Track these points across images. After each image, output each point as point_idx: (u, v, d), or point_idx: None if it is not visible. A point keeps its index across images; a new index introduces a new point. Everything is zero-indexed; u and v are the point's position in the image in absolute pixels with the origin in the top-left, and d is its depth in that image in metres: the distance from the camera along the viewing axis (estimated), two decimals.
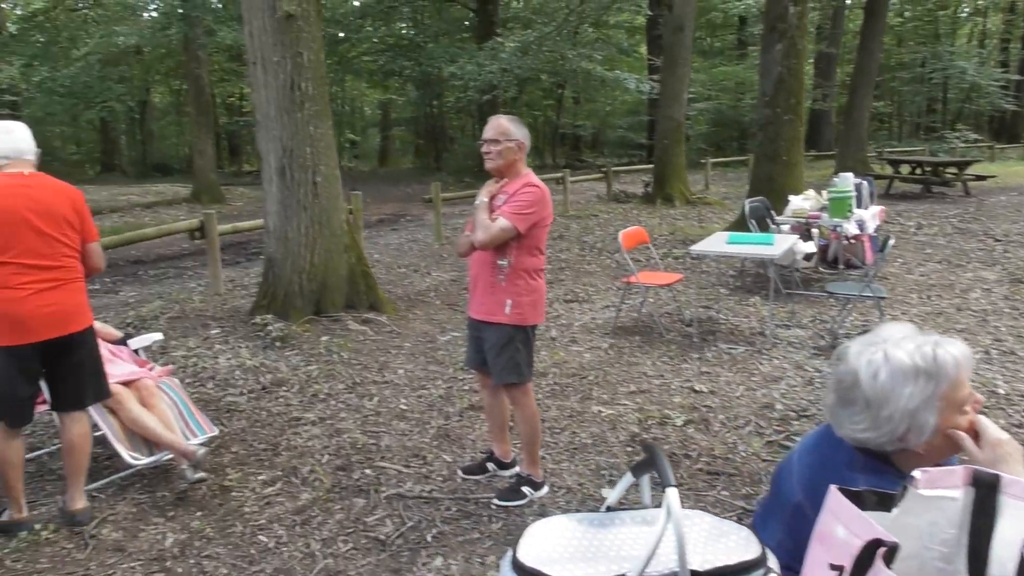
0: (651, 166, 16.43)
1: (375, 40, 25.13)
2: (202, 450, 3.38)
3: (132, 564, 2.93)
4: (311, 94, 5.94)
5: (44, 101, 21.38)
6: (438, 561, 2.92)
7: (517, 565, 1.34)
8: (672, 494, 1.28)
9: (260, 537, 3.12)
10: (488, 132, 3.16)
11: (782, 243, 5.73)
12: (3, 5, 23.81)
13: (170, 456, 3.50)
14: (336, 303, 6.33)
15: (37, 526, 3.12)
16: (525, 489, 3.32)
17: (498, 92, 18.01)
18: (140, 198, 18.25)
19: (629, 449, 3.86)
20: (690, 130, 22.56)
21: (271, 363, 5.24)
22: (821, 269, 7.41)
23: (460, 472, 3.61)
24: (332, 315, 6.27)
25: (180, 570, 2.90)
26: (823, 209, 7.19)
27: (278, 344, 5.62)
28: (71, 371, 3.09)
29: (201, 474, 3.45)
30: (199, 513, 3.31)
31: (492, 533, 3.11)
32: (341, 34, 23.55)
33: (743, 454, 3.76)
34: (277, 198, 6.11)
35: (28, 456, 3.56)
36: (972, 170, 16.37)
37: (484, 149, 3.16)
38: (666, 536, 1.26)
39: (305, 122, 5.94)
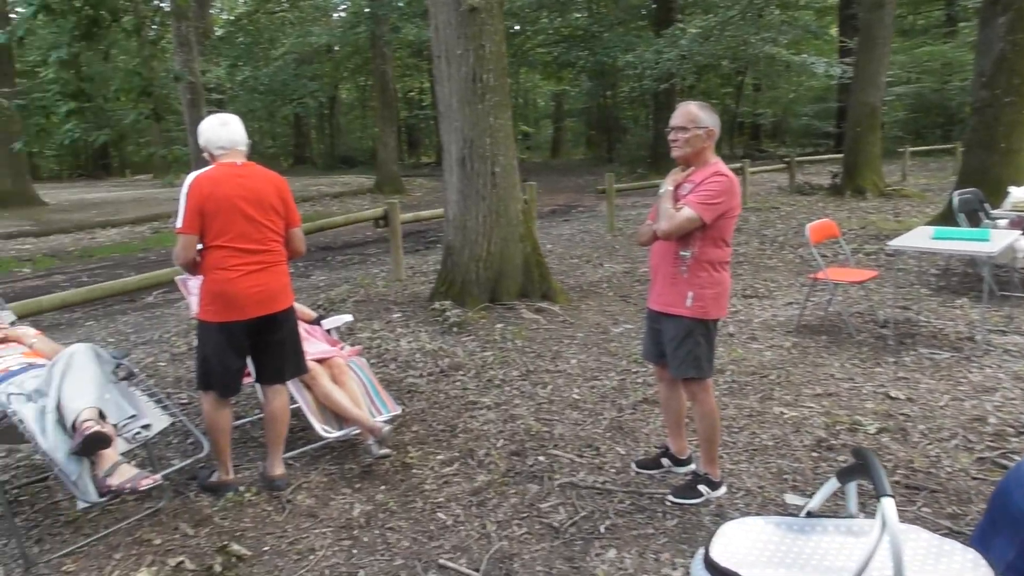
0: (840, 155, 15.43)
1: (550, 31, 25.32)
2: (387, 428, 3.54)
3: (324, 530, 3.12)
4: (492, 85, 6.05)
5: (246, 99, 23.36)
6: (611, 553, 2.89)
7: (711, 564, 1.27)
8: (889, 504, 1.17)
9: (439, 514, 3.22)
10: (675, 119, 3.06)
11: (1000, 239, 5.16)
12: (211, 11, 26.23)
13: (357, 431, 3.70)
14: (511, 291, 6.44)
15: (241, 488, 3.40)
16: (702, 488, 3.21)
17: (675, 80, 17.55)
18: (328, 188, 19.54)
19: (815, 454, 3.62)
20: (886, 116, 20.90)
21: (449, 348, 5.41)
22: None
23: (634, 465, 3.55)
24: (506, 303, 6.38)
25: (366, 539, 3.05)
26: None
27: (455, 330, 5.80)
28: (274, 347, 3.34)
29: (385, 450, 3.61)
30: (383, 487, 3.47)
31: (667, 530, 3.03)
32: (517, 26, 23.92)
33: (948, 469, 3.42)
34: (457, 187, 6.29)
35: (234, 424, 3.89)
36: None
37: (671, 137, 3.06)
38: (880, 549, 1.15)
39: (486, 113, 6.07)
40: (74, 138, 7.59)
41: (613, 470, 3.57)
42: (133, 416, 3.01)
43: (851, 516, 1.41)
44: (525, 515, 3.20)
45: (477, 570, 2.81)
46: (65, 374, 2.88)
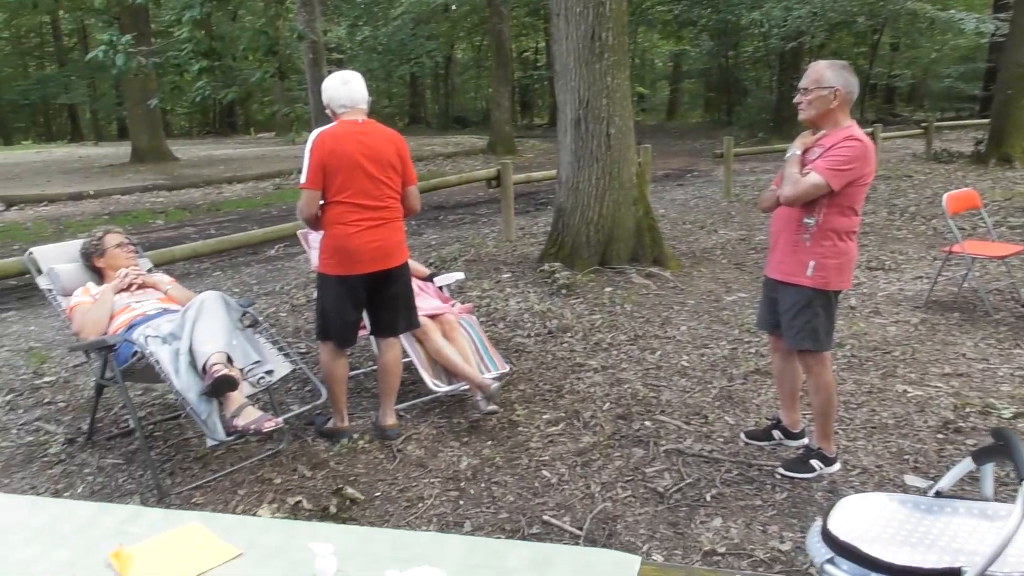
0: (985, 121, 14.30)
1: None
2: (496, 384, 3.59)
3: (432, 480, 3.22)
4: (610, 44, 5.93)
5: (364, 58, 23.83)
6: (716, 522, 2.84)
7: (828, 537, 1.23)
8: None
9: (544, 472, 3.26)
10: (803, 80, 2.91)
11: None
12: None
13: (466, 387, 3.77)
14: (621, 255, 6.37)
15: (355, 435, 3.54)
16: (814, 462, 3.10)
17: (804, 39, 16.61)
18: (442, 148, 19.78)
19: (940, 436, 3.43)
20: None
21: (557, 309, 5.42)
22: None
23: (743, 436, 3.47)
24: (616, 267, 6.32)
25: (472, 491, 3.13)
26: None
27: (564, 292, 5.80)
28: (389, 301, 3.43)
29: (493, 407, 3.67)
30: (489, 442, 3.54)
31: (776, 503, 2.95)
32: None
33: None
34: (571, 148, 6.23)
35: (349, 375, 4.04)
36: None
37: (796, 99, 2.91)
38: (1019, 536, 1.07)
39: (603, 73, 5.96)
40: (204, 96, 7.99)
41: (721, 439, 3.50)
42: (258, 362, 3.18)
43: (985, 499, 1.33)
44: (630, 478, 3.19)
45: (580, 528, 2.84)
46: (197, 319, 3.06)
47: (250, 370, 3.09)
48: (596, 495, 3.07)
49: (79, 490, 3.20)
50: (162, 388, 4.08)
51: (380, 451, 3.46)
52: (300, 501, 3.01)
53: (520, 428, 3.67)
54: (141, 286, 3.57)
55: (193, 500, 3.09)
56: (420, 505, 3.03)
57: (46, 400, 4.08)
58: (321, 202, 3.26)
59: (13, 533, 1.62)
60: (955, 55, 29.32)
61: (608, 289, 5.87)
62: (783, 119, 19.62)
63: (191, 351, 3.00)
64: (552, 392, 4.09)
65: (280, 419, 2.88)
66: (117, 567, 1.48)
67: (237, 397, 2.94)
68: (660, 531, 2.80)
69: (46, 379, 4.39)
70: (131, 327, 3.35)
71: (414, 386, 4.07)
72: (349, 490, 3.01)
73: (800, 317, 2.92)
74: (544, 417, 3.78)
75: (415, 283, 4.02)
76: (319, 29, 10.07)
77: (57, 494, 3.16)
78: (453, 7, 24.27)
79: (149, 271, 3.84)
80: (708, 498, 3.01)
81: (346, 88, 3.33)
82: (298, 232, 4.58)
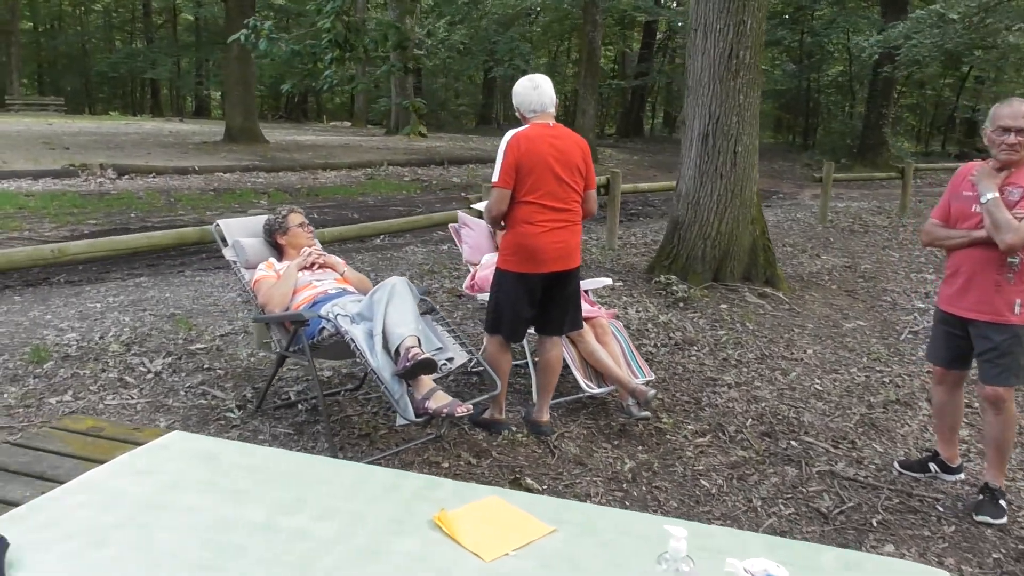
0: None
1: None
2: (652, 392, 3.66)
3: (594, 479, 3.30)
4: (747, 63, 5.96)
5: (444, 56, 24.07)
6: (888, 547, 2.87)
7: None
8: None
9: (702, 481, 3.32)
10: (1014, 119, 2.88)
11: None
12: None
13: (615, 390, 3.85)
14: (735, 273, 6.39)
15: (513, 428, 3.65)
16: (1003, 503, 3.09)
17: (898, 67, 16.26)
18: None
19: None
20: None
21: (677, 322, 5.46)
22: None
23: (897, 465, 3.48)
24: (729, 284, 6.33)
25: (635, 494, 3.21)
26: None
27: (680, 304, 5.84)
28: (560, 302, 3.53)
29: (646, 413, 3.74)
30: (640, 447, 3.61)
31: (945, 535, 2.97)
32: None
33: None
34: (694, 163, 6.27)
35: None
36: None
37: (1009, 140, 2.89)
38: None
39: (737, 90, 5.99)
40: (331, 84, 8.24)
41: (873, 466, 3.52)
42: (439, 348, 3.30)
43: None
44: (789, 496, 3.24)
45: None
46: (389, 302, 3.19)
47: (433, 356, 3.21)
48: (759, 509, 3.12)
49: None
50: (328, 365, 4.24)
51: (537, 445, 3.56)
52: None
53: (668, 436, 3.73)
54: (322, 266, 3.73)
55: None
56: (587, 502, 3.11)
57: (204, 366, 4.27)
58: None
59: (328, 486, 1.74)
60: None
61: (723, 306, 5.90)
62: (868, 147, 19.31)
63: (384, 333, 3.13)
64: (691, 403, 4.15)
65: (469, 405, 2.98)
66: (445, 528, 1.59)
67: (427, 380, 3.06)
68: None
69: (198, 346, 4.58)
70: (314, 303, 3.51)
71: (560, 385, 4.17)
72: (528, 480, 3.11)
73: (1007, 356, 2.93)
74: (689, 427, 3.84)
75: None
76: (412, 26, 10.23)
77: None
78: (539, 11, 24.40)
79: None
80: (875, 523, 3.04)
81: (536, 92, 3.44)
82: (450, 226, 4.72)
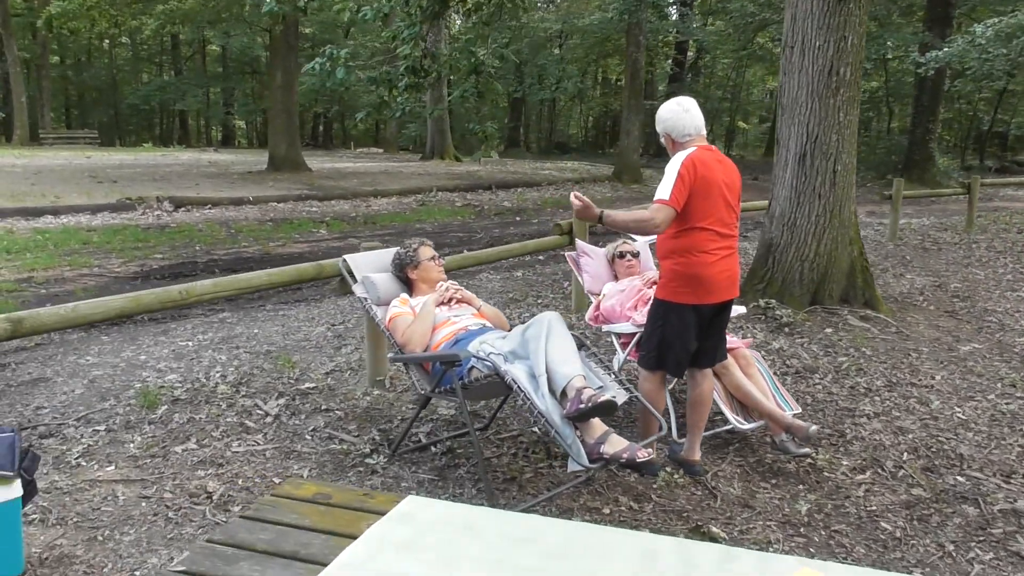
0: None
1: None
2: (815, 427, 3.44)
3: (767, 522, 3.09)
4: (847, 80, 5.77)
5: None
6: None
7: None
8: None
9: (882, 524, 3.10)
10: None
11: None
12: None
13: (763, 424, 3.65)
14: (833, 295, 6.16)
15: (668, 469, 3.44)
16: None
17: (970, 80, 15.83)
18: (559, 174, 19.79)
19: None
20: None
21: (788, 348, 5.24)
22: None
23: None
24: (828, 307, 6.11)
25: (816, 539, 2.99)
26: None
27: (785, 330, 5.62)
28: (717, 332, 3.34)
29: (806, 449, 3.54)
30: (801, 486, 3.39)
31: None
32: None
33: None
34: (790, 184, 6.07)
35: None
36: None
37: None
38: None
39: (837, 108, 5.80)
40: (404, 111, 8.16)
41: None
42: (600, 387, 3.12)
43: None
44: (982, 539, 3.01)
45: None
46: (548, 339, 3.02)
47: (613, 398, 3.02)
48: (955, 555, 2.90)
49: None
50: (446, 405, 4.06)
51: (695, 487, 3.35)
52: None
53: (825, 473, 3.51)
54: (459, 300, 3.57)
55: None
56: (770, 550, 2.90)
57: (322, 407, 4.10)
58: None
59: (617, 562, 1.55)
60: None
61: (828, 330, 5.67)
62: (914, 163, 19.00)
63: (547, 372, 2.95)
64: (835, 436, 3.92)
65: (651, 450, 2.80)
66: None
67: (599, 423, 2.87)
68: None
69: (308, 385, 4.43)
70: (456, 341, 3.35)
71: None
72: (713, 529, 2.91)
73: None
74: (844, 463, 3.62)
75: None
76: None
77: None
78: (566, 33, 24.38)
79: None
80: None
81: (688, 116, 3.27)
82: (568, 255, 4.56)
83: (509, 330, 3.59)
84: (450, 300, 3.53)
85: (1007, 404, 4.39)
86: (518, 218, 11.67)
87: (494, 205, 13.51)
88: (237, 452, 3.55)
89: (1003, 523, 3.13)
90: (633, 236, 4.45)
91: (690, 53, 30.28)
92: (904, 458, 3.69)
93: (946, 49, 12.99)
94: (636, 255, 4.48)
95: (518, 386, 2.93)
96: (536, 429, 3.74)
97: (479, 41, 8.67)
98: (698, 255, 3.13)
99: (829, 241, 6.06)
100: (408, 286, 3.68)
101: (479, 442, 3.26)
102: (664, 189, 3.12)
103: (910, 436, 3.94)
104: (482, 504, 3.13)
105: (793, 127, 6.01)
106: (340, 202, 12.89)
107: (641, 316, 3.98)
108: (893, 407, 4.33)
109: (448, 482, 3.34)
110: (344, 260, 3.73)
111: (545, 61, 21.01)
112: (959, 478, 3.51)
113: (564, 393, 2.91)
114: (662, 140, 3.40)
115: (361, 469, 3.43)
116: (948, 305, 6.74)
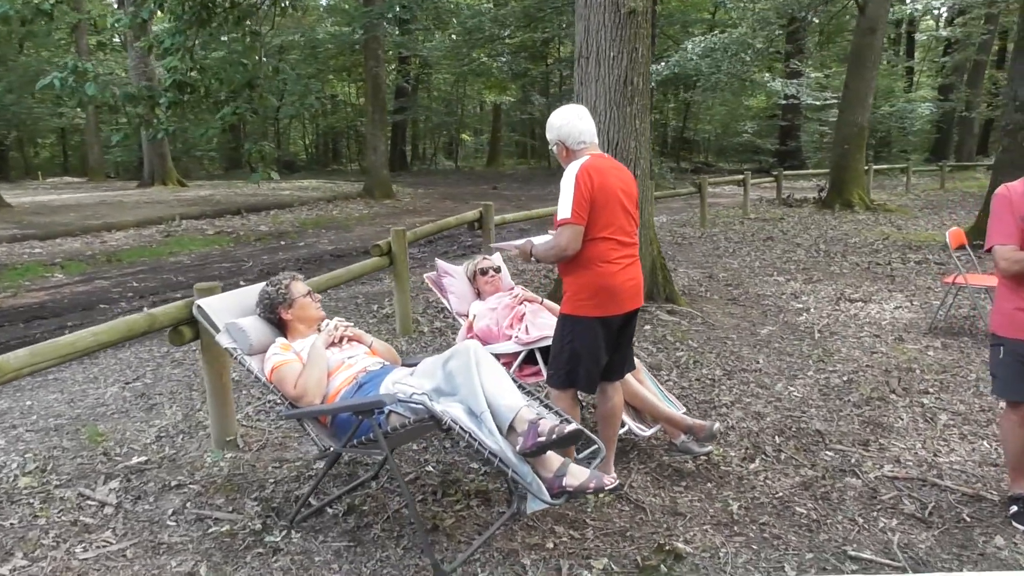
0: (816, 172, 16.16)
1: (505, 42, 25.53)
2: (717, 424, 3.52)
3: (702, 527, 3.08)
4: (640, 88, 6.10)
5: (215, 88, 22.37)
6: (999, 539, 2.98)
7: None
8: None
9: (797, 508, 3.24)
10: None
11: None
12: None
13: (659, 428, 3.68)
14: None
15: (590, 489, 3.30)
16: None
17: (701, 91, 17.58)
18: (304, 193, 18.90)
19: None
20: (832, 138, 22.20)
21: None
22: None
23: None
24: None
25: (752, 535, 3.04)
26: None
27: None
28: (626, 342, 3.29)
29: (708, 448, 3.60)
30: (709, 484, 3.46)
31: None
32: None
33: None
34: None
35: None
36: None
37: None
38: None
39: (633, 116, 6.10)
40: (166, 132, 7.08)
41: (914, 463, 3.67)
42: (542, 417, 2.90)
43: None
44: (878, 507, 3.26)
45: (893, 559, 2.85)
46: (479, 371, 2.75)
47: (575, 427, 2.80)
48: (868, 527, 3.10)
49: None
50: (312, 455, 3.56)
51: (621, 503, 3.26)
52: (607, 565, 2.77)
53: (723, 468, 3.62)
54: (351, 339, 3.14)
55: None
56: (723, 553, 2.89)
57: (172, 484, 3.40)
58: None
59: None
60: (749, 113, 33.03)
61: (647, 328, 5.95)
62: None
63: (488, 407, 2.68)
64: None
65: (614, 475, 2.64)
66: None
67: (554, 455, 2.66)
68: (962, 553, 2.90)
69: (137, 460, 3.67)
70: (360, 385, 2.95)
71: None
72: (679, 545, 2.81)
73: None
74: (734, 455, 3.76)
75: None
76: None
77: None
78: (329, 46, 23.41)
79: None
80: (967, 518, 3.15)
81: (583, 123, 3.19)
82: (427, 276, 4.25)
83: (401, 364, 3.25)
84: (341, 340, 3.10)
85: (825, 378, 4.88)
86: (283, 242, 10.88)
87: (250, 231, 12.48)
88: (86, 560, 2.81)
89: (885, 489, 3.42)
90: (492, 249, 4.29)
91: (411, 69, 30.72)
92: (777, 441, 3.93)
93: (664, 63, 14.52)
94: (498, 270, 4.32)
95: (460, 427, 2.62)
96: (486, 469, 3.44)
97: (250, 53, 7.94)
98: (601, 265, 3.04)
99: None
100: (281, 328, 3.18)
101: (411, 494, 2.87)
102: (564, 206, 3.00)
103: (768, 419, 4.21)
104: (416, 563, 2.78)
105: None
106: (67, 240, 11.06)
107: (524, 334, 3.83)
108: (741, 394, 4.61)
109: (367, 546, 2.92)
110: (199, 307, 3.12)
111: (286, 75, 19.95)
112: (828, 453, 3.80)
113: (512, 427, 2.66)
114: (552, 149, 3.27)
115: (261, 551, 2.88)
116: (727, 294, 7.40)
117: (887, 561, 2.84)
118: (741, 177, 14.49)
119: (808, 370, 5.05)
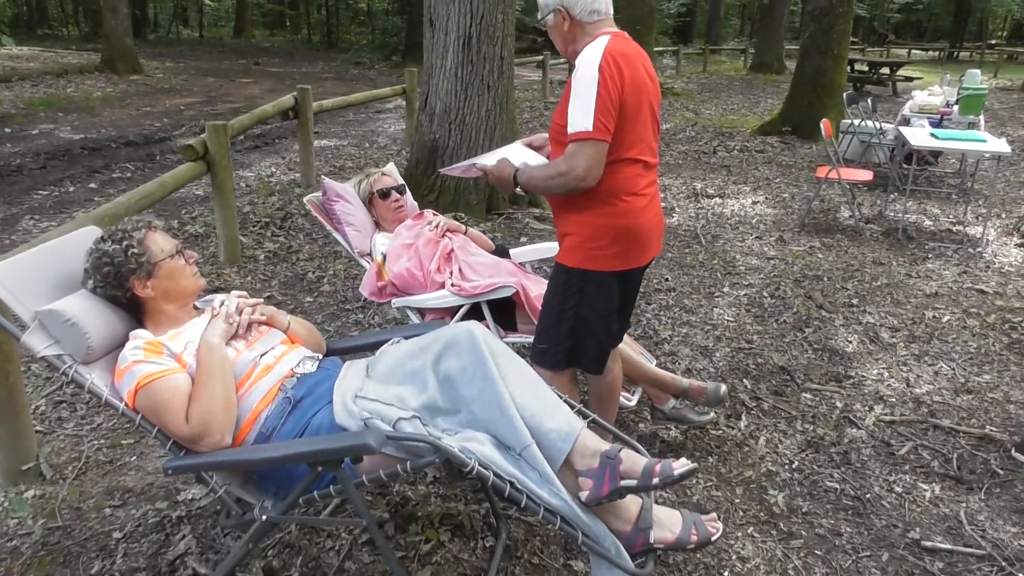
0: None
1: None
2: (724, 387, 2.80)
3: (732, 528, 2.41)
4: None
5: None
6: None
7: None
8: None
9: (825, 483, 2.68)
10: None
11: (994, 141, 5.62)
12: None
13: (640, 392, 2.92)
14: (505, 197, 5.60)
15: None
16: None
17: None
18: (25, 64, 15.13)
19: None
20: None
21: None
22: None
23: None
24: (504, 211, 5.55)
25: (794, 529, 2.42)
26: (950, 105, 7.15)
27: None
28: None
29: (710, 415, 2.89)
30: (712, 458, 2.79)
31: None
32: None
33: None
34: (454, 74, 5.17)
35: None
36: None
37: None
38: None
39: None
40: None
41: (893, 400, 3.28)
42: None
43: None
44: (904, 467, 2.79)
45: (975, 546, 2.39)
46: (501, 376, 1.75)
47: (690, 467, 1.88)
48: (906, 493, 2.62)
49: None
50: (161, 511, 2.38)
51: None
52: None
53: (712, 432, 2.96)
54: (265, 323, 1.94)
55: None
56: (791, 570, 2.24)
57: None
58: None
59: None
60: None
61: (524, 240, 5.12)
62: (416, 44, 19.30)
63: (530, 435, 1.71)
64: (685, 374, 3.39)
65: (716, 519, 1.82)
66: None
67: (632, 496, 1.78)
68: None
69: None
70: (293, 404, 1.82)
71: None
72: None
73: None
74: (715, 411, 3.11)
75: (503, 262, 2.98)
76: None
77: None
78: None
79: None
80: (998, 471, 2.78)
81: None
82: (308, 200, 3.00)
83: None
84: (250, 327, 1.90)
85: (746, 295, 4.40)
86: (7, 129, 8.39)
87: None
88: None
89: (895, 441, 2.97)
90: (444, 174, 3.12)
91: None
92: (748, 385, 3.35)
93: None
94: (402, 190, 3.19)
95: (496, 474, 1.63)
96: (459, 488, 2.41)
97: None
98: (626, 200, 2.09)
99: (499, 139, 5.38)
100: (135, 312, 1.89)
101: (389, 549, 1.83)
102: (583, 113, 1.97)
103: (719, 355, 3.64)
104: None
105: (453, 5, 5.04)
106: None
107: (461, 279, 2.81)
108: (671, 322, 4.00)
109: None
110: None
111: None
112: (807, 395, 3.30)
113: (568, 462, 1.73)
114: (547, 19, 2.18)
115: None
116: None
117: (968, 550, 2.35)
118: (540, 59, 13.73)
119: (723, 285, 4.54)
